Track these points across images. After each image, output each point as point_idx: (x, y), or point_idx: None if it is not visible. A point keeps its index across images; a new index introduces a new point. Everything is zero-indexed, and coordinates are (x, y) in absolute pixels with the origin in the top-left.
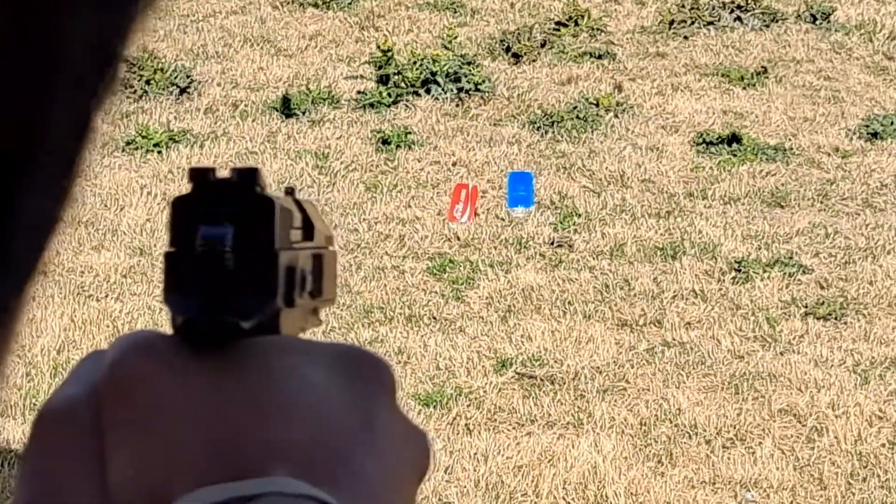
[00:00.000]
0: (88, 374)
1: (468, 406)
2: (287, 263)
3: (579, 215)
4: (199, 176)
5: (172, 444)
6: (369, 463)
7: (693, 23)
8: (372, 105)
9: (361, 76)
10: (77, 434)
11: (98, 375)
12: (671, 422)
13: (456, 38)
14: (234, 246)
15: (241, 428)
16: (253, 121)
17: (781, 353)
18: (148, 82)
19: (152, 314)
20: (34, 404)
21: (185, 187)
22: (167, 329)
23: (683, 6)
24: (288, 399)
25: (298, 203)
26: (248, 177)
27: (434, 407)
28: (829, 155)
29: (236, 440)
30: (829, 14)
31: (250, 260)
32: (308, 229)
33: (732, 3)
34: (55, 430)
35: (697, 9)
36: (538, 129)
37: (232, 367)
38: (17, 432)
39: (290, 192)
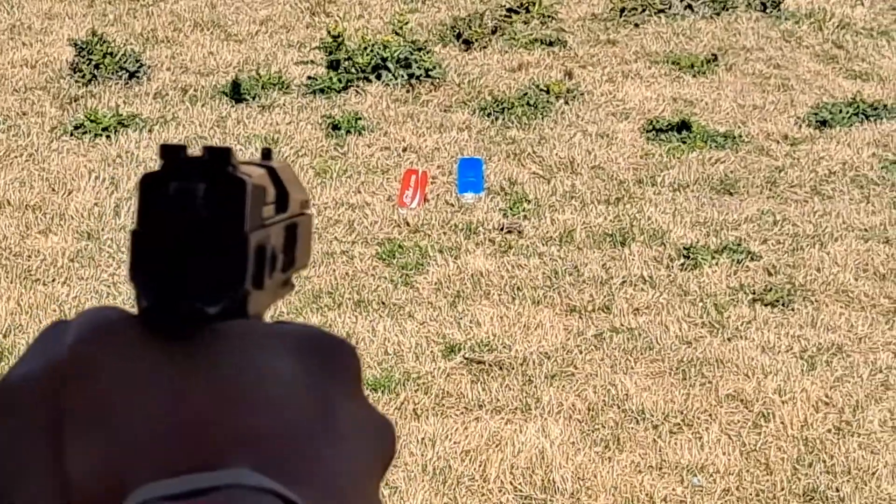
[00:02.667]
0: (48, 350)
1: (416, 391)
2: (257, 243)
3: (529, 201)
4: (171, 154)
5: (129, 435)
6: (329, 453)
7: (644, 10)
8: (322, 90)
9: (312, 61)
10: (32, 415)
11: (57, 354)
12: (619, 407)
13: (407, 23)
14: (202, 228)
15: (200, 418)
16: (203, 105)
17: (729, 339)
18: (97, 66)
19: (100, 298)
20: None
21: (134, 171)
22: (133, 308)
23: None
24: (249, 389)
25: (273, 172)
26: (220, 156)
27: (382, 392)
28: (778, 142)
29: (195, 431)
30: (780, 2)
31: (219, 242)
32: (282, 200)
33: None
34: (9, 409)
35: None
36: (488, 115)
37: (194, 355)
38: None
39: (266, 154)
